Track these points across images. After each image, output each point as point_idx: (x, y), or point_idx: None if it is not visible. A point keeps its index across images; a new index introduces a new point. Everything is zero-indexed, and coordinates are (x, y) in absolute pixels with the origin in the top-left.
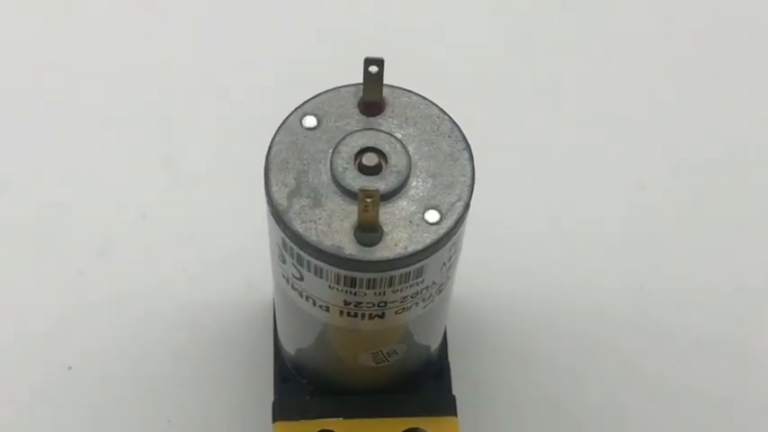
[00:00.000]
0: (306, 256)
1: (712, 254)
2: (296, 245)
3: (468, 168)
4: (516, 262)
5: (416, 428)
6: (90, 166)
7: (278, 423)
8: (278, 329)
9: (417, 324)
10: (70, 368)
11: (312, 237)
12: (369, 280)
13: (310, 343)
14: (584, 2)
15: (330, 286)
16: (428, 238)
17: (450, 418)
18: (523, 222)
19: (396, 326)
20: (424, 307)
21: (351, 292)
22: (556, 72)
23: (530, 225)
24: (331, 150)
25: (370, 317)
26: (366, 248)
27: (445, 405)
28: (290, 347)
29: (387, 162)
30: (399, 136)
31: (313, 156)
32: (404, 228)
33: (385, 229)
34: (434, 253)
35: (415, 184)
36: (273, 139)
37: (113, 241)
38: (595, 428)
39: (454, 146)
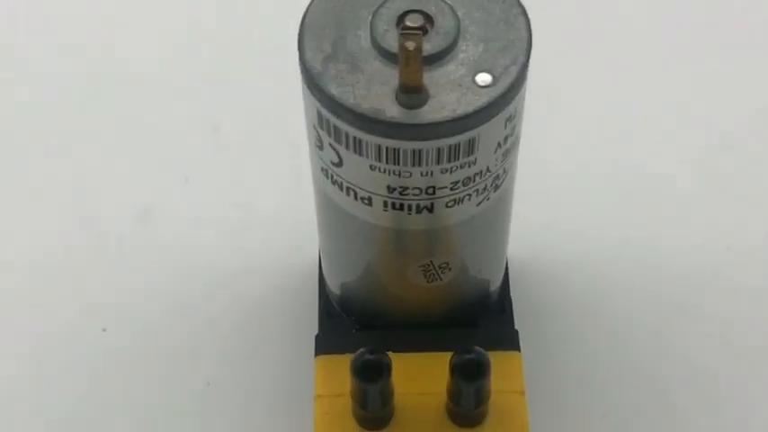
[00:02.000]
0: (344, 128)
1: None
2: (332, 113)
3: (525, 32)
4: (595, 221)
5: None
6: (134, 131)
7: (320, 357)
8: (322, 261)
9: (471, 230)
10: (105, 330)
11: (349, 100)
12: (414, 152)
13: (356, 261)
14: None
15: (372, 166)
16: (479, 100)
17: (512, 353)
18: (595, 178)
19: (447, 225)
20: (478, 204)
21: (395, 173)
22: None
23: (602, 181)
24: (371, 15)
25: (418, 209)
26: (410, 111)
27: (507, 339)
28: (335, 278)
29: (432, 24)
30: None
31: (352, 21)
32: (452, 91)
33: (431, 92)
34: (487, 121)
35: (464, 47)
36: (309, 5)
37: (155, 205)
38: (673, 387)
39: (509, 11)
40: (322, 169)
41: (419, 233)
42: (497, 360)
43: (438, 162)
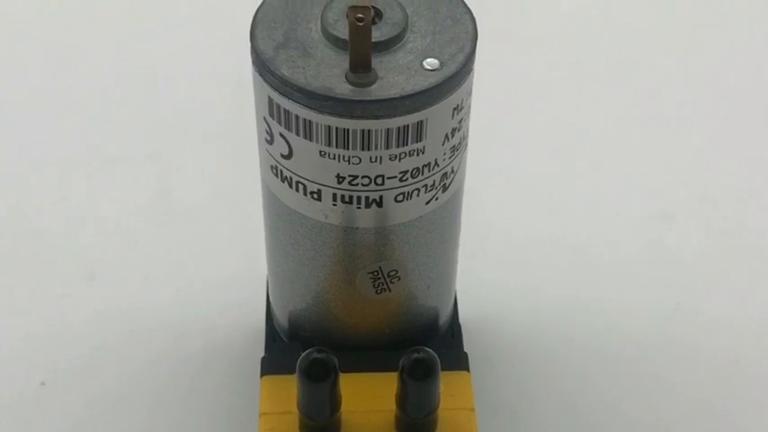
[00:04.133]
0: (294, 110)
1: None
2: (283, 95)
3: (471, 27)
4: (539, 283)
5: None
6: (82, 193)
7: (265, 377)
8: (270, 284)
9: (420, 233)
10: (43, 383)
11: (300, 80)
12: (363, 134)
13: (304, 273)
14: None
15: (321, 152)
16: (426, 81)
17: (462, 373)
18: (543, 243)
19: (396, 224)
20: (427, 202)
21: (344, 158)
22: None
23: (550, 246)
24: (322, 9)
25: (367, 203)
26: (359, 89)
27: (457, 360)
28: (282, 302)
29: (381, 17)
30: None
31: (303, 17)
32: (400, 73)
33: (380, 74)
34: (434, 103)
35: (412, 38)
36: (261, 3)
37: (102, 267)
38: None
39: (455, 9)
40: (271, 167)
41: (368, 232)
42: (447, 380)
43: (387, 146)
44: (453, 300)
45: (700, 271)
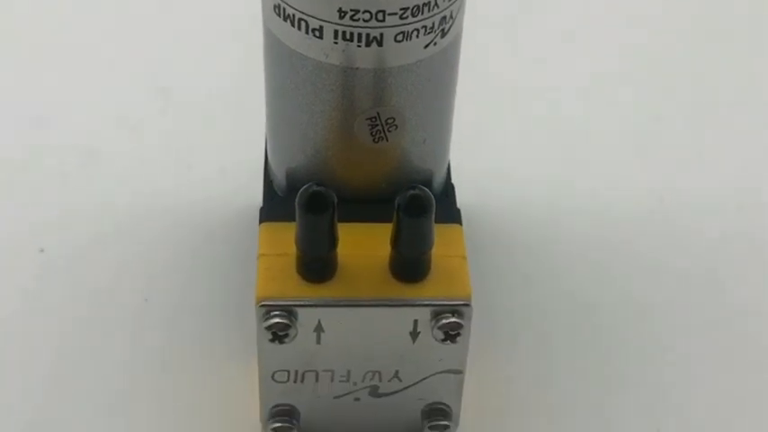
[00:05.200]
0: None
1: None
2: None
3: None
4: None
5: None
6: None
7: (263, 224)
8: (268, 141)
9: (418, 80)
10: (42, 251)
11: None
12: None
13: (303, 122)
14: None
15: None
16: None
17: (455, 226)
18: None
19: (395, 67)
20: (426, 46)
21: None
22: None
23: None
24: None
25: (368, 41)
26: None
27: (450, 214)
28: (279, 157)
29: None
30: None
31: None
32: None
33: None
34: None
35: None
36: None
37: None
38: (606, 313)
39: None
40: (274, 7)
41: (367, 73)
42: (441, 231)
43: None
44: (447, 163)
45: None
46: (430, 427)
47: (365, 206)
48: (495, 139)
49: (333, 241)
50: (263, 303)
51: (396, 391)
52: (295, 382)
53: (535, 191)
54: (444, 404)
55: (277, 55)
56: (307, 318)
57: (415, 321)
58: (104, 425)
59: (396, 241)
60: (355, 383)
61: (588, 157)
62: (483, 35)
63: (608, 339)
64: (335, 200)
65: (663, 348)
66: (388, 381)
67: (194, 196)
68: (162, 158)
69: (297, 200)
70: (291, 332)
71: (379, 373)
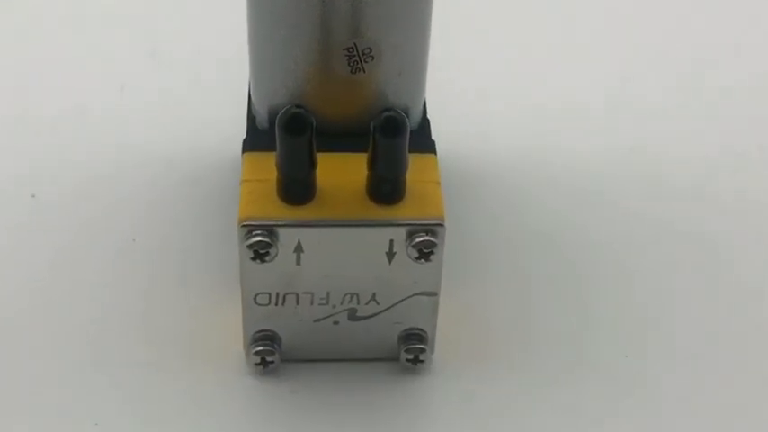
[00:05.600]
0: None
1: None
2: None
3: None
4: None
5: None
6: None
7: (246, 153)
8: (250, 77)
9: (393, 10)
10: (34, 196)
11: None
12: None
13: (283, 55)
14: None
15: None
16: None
17: (429, 155)
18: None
19: None
20: None
21: None
22: None
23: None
24: None
25: None
26: None
27: (426, 145)
28: (261, 92)
29: None
30: None
31: None
32: None
33: None
34: None
35: None
36: None
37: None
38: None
39: None
40: None
41: (344, 3)
42: (416, 160)
43: None
44: (424, 100)
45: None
46: (406, 350)
47: (344, 138)
48: (472, 82)
49: (312, 163)
50: (244, 224)
51: (373, 314)
52: (276, 304)
53: (510, 140)
54: (420, 329)
55: None
56: (287, 238)
57: (391, 241)
58: (92, 354)
59: (372, 163)
60: (334, 306)
61: (562, 110)
62: None
63: (579, 272)
64: (314, 121)
65: (634, 283)
66: (366, 303)
67: (180, 146)
68: (150, 113)
69: (277, 121)
70: (272, 251)
71: (357, 295)
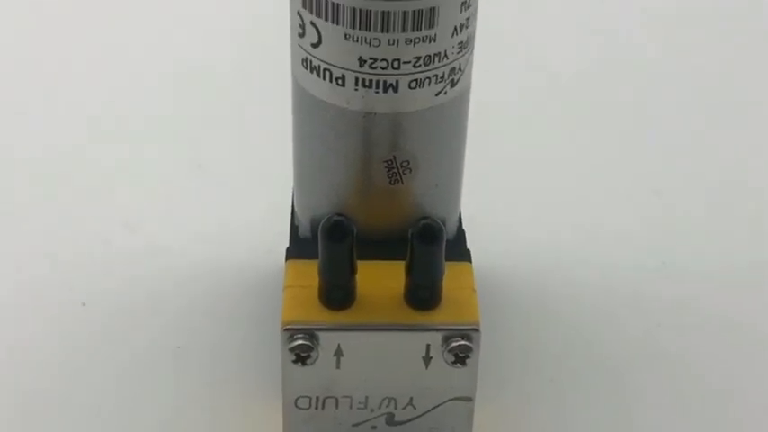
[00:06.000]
0: None
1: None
2: None
3: None
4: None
5: None
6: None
7: (289, 261)
8: (294, 188)
9: (430, 126)
10: (84, 304)
11: None
12: (383, 15)
13: (326, 166)
14: None
15: (346, 35)
16: None
17: (465, 263)
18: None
19: (410, 112)
20: (437, 94)
21: (366, 41)
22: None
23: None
24: None
25: (385, 87)
26: None
27: (461, 254)
28: (304, 201)
29: None
30: None
31: None
32: None
33: None
34: None
35: None
36: None
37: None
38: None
39: None
40: (302, 61)
41: (385, 118)
42: (452, 268)
43: (403, 29)
44: (459, 212)
45: (684, 233)
46: None
47: (383, 246)
48: (505, 197)
49: (352, 269)
50: (287, 327)
51: (410, 419)
52: (316, 408)
53: (543, 249)
54: None
55: (303, 104)
56: (327, 341)
57: (428, 346)
58: None
59: (410, 269)
60: (372, 410)
61: (593, 220)
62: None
63: (612, 381)
64: (354, 229)
65: (666, 392)
66: (403, 408)
67: (224, 256)
68: (196, 224)
69: (320, 229)
70: (313, 354)
71: (395, 399)
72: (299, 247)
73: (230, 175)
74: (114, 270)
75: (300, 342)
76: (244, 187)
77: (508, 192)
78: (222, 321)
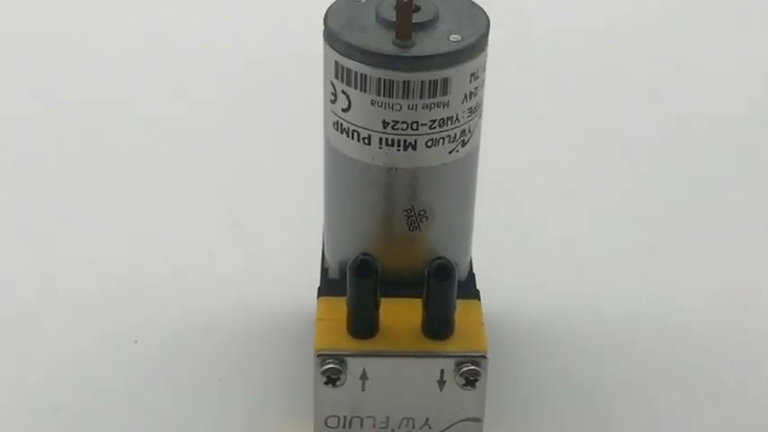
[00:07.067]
0: (354, 68)
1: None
2: (346, 56)
3: (484, 19)
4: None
5: None
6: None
7: (321, 298)
8: (325, 236)
9: (445, 180)
10: (136, 342)
11: (359, 43)
12: (404, 84)
13: (353, 215)
14: None
15: (372, 101)
16: (452, 47)
17: (474, 301)
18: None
19: (426, 167)
20: (450, 152)
21: (389, 106)
22: None
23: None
24: (376, 5)
25: (405, 146)
26: (402, 49)
27: (471, 293)
28: (333, 248)
29: (419, 9)
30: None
31: (361, 13)
32: (431, 42)
33: (417, 42)
34: (457, 64)
35: (441, 24)
36: (331, 5)
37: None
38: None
39: (472, 8)
40: (333, 124)
41: (405, 173)
42: (462, 305)
43: (421, 96)
44: (470, 258)
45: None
46: None
47: (403, 286)
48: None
49: (376, 302)
50: (320, 353)
51: None
52: (344, 427)
53: (549, 291)
54: None
55: (334, 161)
56: (354, 366)
57: (442, 371)
58: None
59: (426, 303)
60: (393, 429)
61: (594, 275)
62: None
63: (613, 415)
64: (378, 266)
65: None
66: (420, 428)
67: (261, 304)
68: (234, 276)
69: (348, 266)
70: (342, 377)
71: (413, 420)
72: (328, 286)
73: (268, 228)
74: (164, 312)
75: (331, 366)
76: (279, 235)
77: (512, 233)
78: (260, 355)
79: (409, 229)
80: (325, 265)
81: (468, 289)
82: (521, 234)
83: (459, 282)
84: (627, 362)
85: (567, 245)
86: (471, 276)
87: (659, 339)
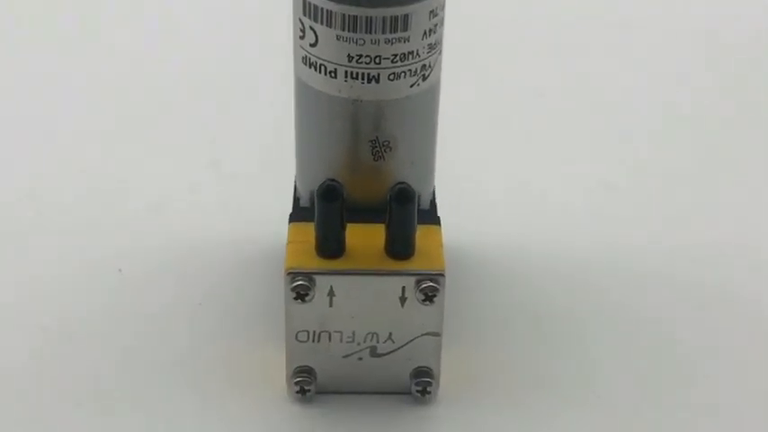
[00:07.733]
0: (320, 5)
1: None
2: None
3: None
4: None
5: None
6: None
7: (292, 224)
8: (296, 166)
9: (407, 112)
10: (120, 270)
11: None
12: (367, 20)
13: (321, 145)
14: None
15: (338, 36)
16: None
17: (434, 226)
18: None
19: (389, 100)
20: (411, 85)
21: (353, 41)
22: None
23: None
24: None
25: (369, 79)
26: None
27: (432, 219)
28: (303, 178)
29: None
30: None
31: None
32: None
33: None
34: (417, 2)
35: None
36: None
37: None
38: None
39: None
40: (302, 59)
41: (370, 105)
42: (423, 229)
43: (383, 31)
44: (432, 188)
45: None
46: (416, 384)
47: (367, 213)
48: (477, 174)
49: (342, 224)
50: (289, 272)
51: (390, 352)
52: (313, 341)
53: (507, 229)
54: (427, 366)
55: (303, 95)
56: (322, 283)
57: (403, 288)
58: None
59: (389, 225)
60: (359, 344)
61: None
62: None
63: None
64: (344, 191)
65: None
66: (384, 342)
67: (238, 235)
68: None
69: (315, 191)
70: (311, 293)
71: (377, 334)
72: (299, 213)
73: (244, 167)
74: (147, 243)
75: (300, 282)
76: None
77: (477, 168)
78: (235, 282)
79: (374, 158)
80: (297, 195)
81: (430, 216)
82: (489, 173)
83: (421, 210)
84: (575, 295)
85: (528, 187)
86: (434, 206)
87: (608, 277)
